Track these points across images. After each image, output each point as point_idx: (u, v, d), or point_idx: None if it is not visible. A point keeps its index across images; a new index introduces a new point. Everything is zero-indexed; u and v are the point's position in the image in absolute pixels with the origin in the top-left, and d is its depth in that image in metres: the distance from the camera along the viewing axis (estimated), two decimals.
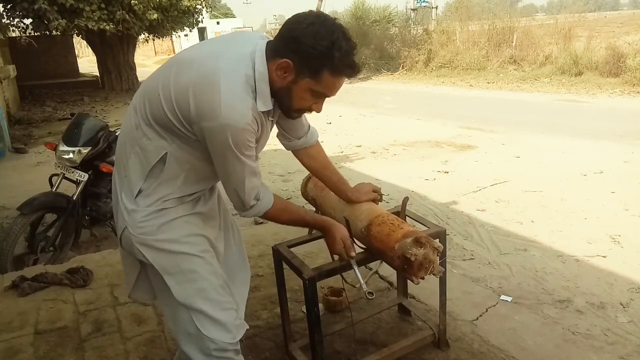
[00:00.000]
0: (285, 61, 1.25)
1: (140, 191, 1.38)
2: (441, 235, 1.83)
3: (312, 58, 1.24)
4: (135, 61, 15.95)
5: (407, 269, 1.50)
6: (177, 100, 1.27)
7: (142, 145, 1.36)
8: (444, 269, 1.58)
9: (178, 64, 1.34)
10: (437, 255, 1.51)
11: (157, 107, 1.31)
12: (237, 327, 1.48)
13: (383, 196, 1.89)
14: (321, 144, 1.78)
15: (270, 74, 1.29)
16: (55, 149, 3.31)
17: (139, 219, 1.38)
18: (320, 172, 1.79)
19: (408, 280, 2.27)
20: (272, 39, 1.35)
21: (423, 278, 1.51)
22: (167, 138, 1.33)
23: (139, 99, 1.38)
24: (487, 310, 2.43)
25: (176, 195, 1.40)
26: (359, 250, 1.77)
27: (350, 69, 1.29)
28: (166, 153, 1.34)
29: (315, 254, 2.86)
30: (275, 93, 1.31)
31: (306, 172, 1.90)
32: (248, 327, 1.55)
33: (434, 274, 1.53)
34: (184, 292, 1.42)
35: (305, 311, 2.01)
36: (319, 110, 1.38)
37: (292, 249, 1.83)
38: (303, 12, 1.30)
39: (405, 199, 1.92)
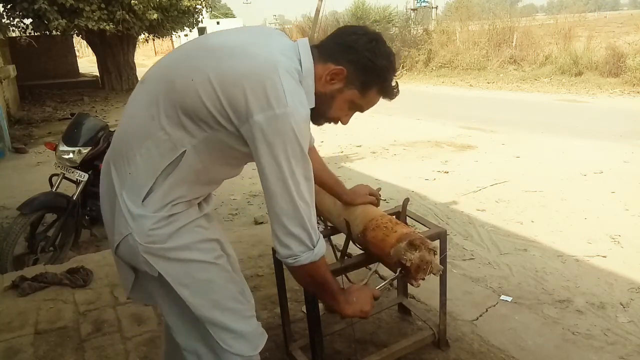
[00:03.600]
0: (341, 68, 1.24)
1: (148, 193, 1.21)
2: (442, 235, 1.83)
3: (368, 73, 1.26)
4: (135, 61, 15.95)
5: (406, 273, 1.49)
6: (225, 90, 1.13)
7: (156, 139, 1.20)
8: (443, 267, 1.58)
9: (209, 50, 1.22)
10: (434, 254, 1.50)
11: (191, 96, 1.15)
12: (259, 336, 1.37)
13: (382, 196, 1.87)
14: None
15: (315, 76, 1.24)
16: (55, 149, 3.31)
17: (148, 226, 1.20)
18: (317, 176, 1.78)
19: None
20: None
21: (423, 279, 1.51)
22: (192, 132, 1.18)
23: (161, 87, 1.21)
24: (487, 310, 2.43)
25: (186, 199, 1.26)
26: (358, 252, 1.77)
27: (395, 94, 1.34)
28: (185, 150, 1.19)
29: None
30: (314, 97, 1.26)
31: None
32: (267, 336, 1.41)
33: (433, 273, 1.52)
34: (201, 304, 1.28)
35: (305, 311, 2.01)
36: (346, 122, 1.36)
37: None
38: (357, 26, 1.31)
39: (406, 200, 1.92)
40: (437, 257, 1.53)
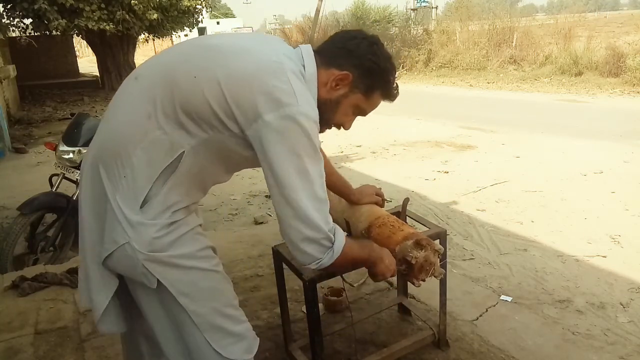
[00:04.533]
0: (346, 73, 1.24)
1: (146, 198, 1.16)
2: (442, 236, 1.83)
3: (372, 75, 1.27)
4: (135, 61, 15.94)
5: (408, 271, 1.50)
6: (233, 90, 1.11)
7: (153, 139, 1.14)
8: (444, 271, 1.58)
9: (213, 49, 1.19)
10: (438, 257, 1.51)
11: (195, 95, 1.12)
12: (254, 340, 1.35)
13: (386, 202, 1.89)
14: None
15: (318, 82, 1.24)
16: (55, 149, 3.31)
17: (151, 234, 1.15)
18: (327, 179, 1.79)
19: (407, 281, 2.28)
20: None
21: (424, 280, 1.51)
22: (192, 132, 1.14)
23: (158, 84, 1.16)
24: (487, 310, 2.43)
25: (184, 205, 1.21)
26: None
27: (395, 95, 1.34)
28: (183, 152, 1.15)
29: None
30: (317, 104, 1.23)
31: None
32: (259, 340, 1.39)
33: (434, 276, 1.53)
34: (202, 312, 1.24)
35: (305, 311, 2.01)
36: (348, 128, 1.36)
37: None
38: (354, 30, 1.32)
39: (406, 200, 1.93)
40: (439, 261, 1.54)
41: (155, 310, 1.27)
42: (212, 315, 1.26)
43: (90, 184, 1.23)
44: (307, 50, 1.26)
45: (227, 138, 1.16)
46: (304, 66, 1.22)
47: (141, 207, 1.16)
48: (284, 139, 1.10)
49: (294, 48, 1.28)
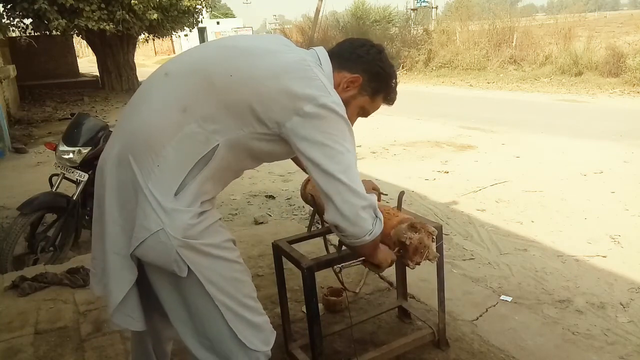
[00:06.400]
0: (357, 76, 1.35)
1: (181, 187, 1.19)
2: (437, 230, 1.84)
3: (379, 80, 1.39)
4: (135, 61, 15.96)
5: (403, 253, 1.53)
6: (268, 88, 1.19)
7: (189, 131, 1.19)
8: (439, 255, 1.63)
9: (243, 49, 1.28)
10: (432, 240, 1.55)
11: (232, 93, 1.20)
12: (271, 332, 1.39)
13: (382, 196, 1.90)
14: None
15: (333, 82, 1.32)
16: (55, 149, 3.31)
17: (186, 220, 1.18)
18: None
19: (407, 282, 2.28)
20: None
21: (419, 263, 1.55)
22: (227, 127, 1.21)
23: (193, 80, 1.23)
24: (487, 310, 2.43)
25: (210, 196, 1.27)
26: None
27: (394, 99, 1.46)
28: (218, 144, 1.21)
29: (315, 253, 2.86)
30: None
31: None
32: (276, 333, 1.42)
33: (429, 259, 1.56)
34: (227, 302, 1.27)
35: (305, 311, 2.01)
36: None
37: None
38: (362, 39, 1.44)
39: (401, 193, 1.93)
40: (434, 245, 1.59)
41: (178, 301, 1.29)
42: (236, 306, 1.29)
43: (116, 173, 1.25)
44: (322, 52, 1.36)
45: (259, 136, 1.23)
46: (321, 66, 1.31)
47: (175, 195, 1.19)
48: (323, 124, 1.19)
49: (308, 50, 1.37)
